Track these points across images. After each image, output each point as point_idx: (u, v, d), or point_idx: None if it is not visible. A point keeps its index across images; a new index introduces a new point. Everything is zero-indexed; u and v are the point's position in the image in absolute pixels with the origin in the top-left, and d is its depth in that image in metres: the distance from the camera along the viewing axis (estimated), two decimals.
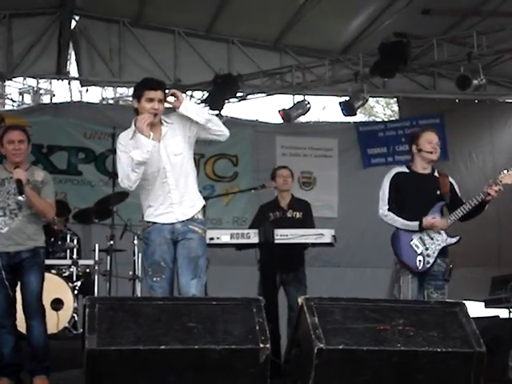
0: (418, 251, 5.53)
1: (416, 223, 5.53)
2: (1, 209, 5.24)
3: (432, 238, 5.55)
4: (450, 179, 5.80)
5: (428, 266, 5.50)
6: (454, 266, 5.62)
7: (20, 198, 5.14)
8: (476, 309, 8.85)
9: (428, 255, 5.51)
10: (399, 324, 4.33)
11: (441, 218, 5.58)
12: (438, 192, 5.64)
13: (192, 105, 5.01)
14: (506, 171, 5.51)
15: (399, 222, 5.60)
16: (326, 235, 6.51)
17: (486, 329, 5.23)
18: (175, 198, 4.87)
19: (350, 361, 4.16)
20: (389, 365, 4.19)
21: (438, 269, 5.54)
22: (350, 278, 10.44)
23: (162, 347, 4.00)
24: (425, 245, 5.54)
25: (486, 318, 7.41)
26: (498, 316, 7.92)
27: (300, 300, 4.40)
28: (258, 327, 4.18)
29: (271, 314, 6.02)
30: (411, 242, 5.56)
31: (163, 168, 4.85)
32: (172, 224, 4.86)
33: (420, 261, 5.50)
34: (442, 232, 5.55)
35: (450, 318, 4.45)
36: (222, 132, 4.95)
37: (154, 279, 4.83)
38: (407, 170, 5.78)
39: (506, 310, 8.62)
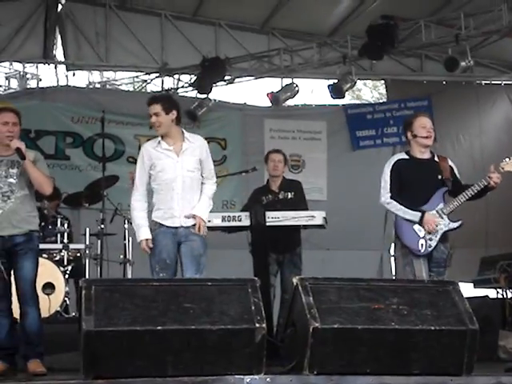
0: (421, 235, 5.54)
1: (418, 214, 5.54)
2: None
3: (429, 231, 5.55)
4: (450, 162, 5.78)
5: (430, 249, 5.53)
6: (453, 251, 5.71)
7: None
8: (465, 289, 8.89)
9: (430, 239, 5.53)
10: (393, 303, 4.37)
11: (444, 203, 5.59)
12: (440, 177, 5.64)
13: (205, 213, 5.64)
14: (507, 159, 5.53)
15: (401, 210, 5.59)
16: (317, 217, 6.52)
17: (476, 309, 5.24)
18: (180, 206, 5.41)
19: (345, 339, 4.21)
20: (383, 343, 4.24)
21: (440, 256, 5.58)
22: (340, 260, 10.43)
23: (159, 328, 4.04)
24: None
25: (476, 298, 7.46)
26: (487, 296, 7.98)
27: (295, 280, 4.43)
28: (253, 307, 4.22)
29: (264, 296, 6.05)
30: (414, 226, 5.56)
31: (175, 178, 5.42)
32: (176, 228, 5.41)
33: (422, 244, 5.52)
34: (445, 217, 5.56)
35: (443, 296, 4.50)
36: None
37: (161, 274, 5.30)
38: (407, 157, 5.76)
39: (495, 291, 8.68)
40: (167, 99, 5.66)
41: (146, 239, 5.40)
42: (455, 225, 5.61)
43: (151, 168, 5.47)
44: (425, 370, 4.24)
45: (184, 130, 5.60)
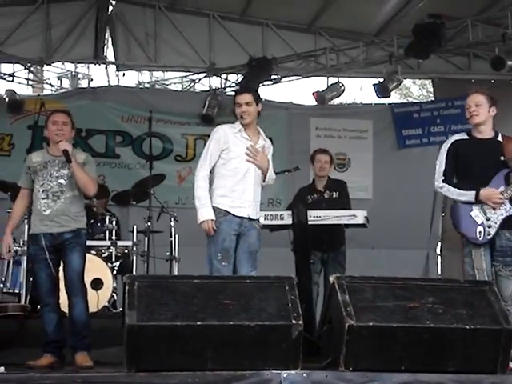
0: (479, 222, 5.23)
1: (473, 193, 5.22)
2: (44, 191, 5.40)
3: (494, 208, 5.22)
4: None
5: (489, 237, 5.21)
6: None
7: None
8: None
9: (489, 226, 5.20)
10: (428, 302, 4.43)
11: (505, 186, 5.24)
12: (502, 158, 5.28)
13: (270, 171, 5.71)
14: None
15: (455, 192, 5.31)
16: (359, 216, 6.62)
17: None
18: (251, 197, 5.48)
19: (380, 337, 4.28)
20: (418, 341, 4.30)
21: (506, 243, 5.24)
22: (385, 259, 10.44)
23: (199, 323, 4.16)
24: (486, 215, 5.24)
25: None
26: None
27: (331, 278, 4.52)
28: (290, 304, 4.31)
29: (305, 294, 6.16)
30: (471, 213, 5.26)
31: (249, 169, 5.47)
32: (242, 218, 5.42)
33: (480, 232, 5.20)
34: (506, 201, 5.23)
35: (478, 296, 4.54)
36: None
37: (223, 263, 5.30)
38: (466, 137, 5.42)
39: None
40: (257, 91, 5.76)
41: (212, 219, 5.32)
42: None
43: (223, 151, 5.45)
44: (459, 368, 4.29)
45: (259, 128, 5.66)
